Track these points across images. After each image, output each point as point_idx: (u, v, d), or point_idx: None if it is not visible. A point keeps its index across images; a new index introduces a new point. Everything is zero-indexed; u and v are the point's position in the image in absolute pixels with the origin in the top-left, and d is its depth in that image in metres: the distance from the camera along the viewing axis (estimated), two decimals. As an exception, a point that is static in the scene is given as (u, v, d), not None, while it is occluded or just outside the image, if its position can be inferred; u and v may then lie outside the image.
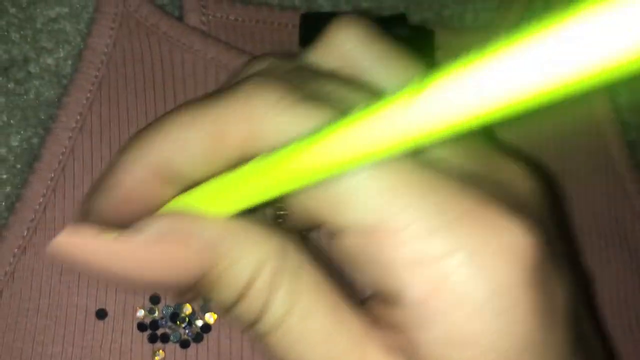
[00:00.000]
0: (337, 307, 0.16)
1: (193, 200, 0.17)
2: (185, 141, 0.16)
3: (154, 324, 0.27)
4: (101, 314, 0.27)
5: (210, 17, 0.30)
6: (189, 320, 0.27)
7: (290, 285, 0.16)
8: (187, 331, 0.27)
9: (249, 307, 0.16)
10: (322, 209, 0.16)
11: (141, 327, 0.27)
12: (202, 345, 0.27)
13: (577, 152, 0.34)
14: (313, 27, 0.31)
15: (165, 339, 0.27)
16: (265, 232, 0.17)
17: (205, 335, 0.27)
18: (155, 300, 0.27)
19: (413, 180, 0.15)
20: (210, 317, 0.27)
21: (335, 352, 0.16)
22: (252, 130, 0.16)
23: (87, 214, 0.18)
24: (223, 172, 0.17)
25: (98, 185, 0.18)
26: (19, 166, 0.28)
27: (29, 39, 0.29)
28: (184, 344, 0.27)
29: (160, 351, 0.27)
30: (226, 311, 0.17)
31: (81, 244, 0.16)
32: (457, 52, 0.12)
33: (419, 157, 0.16)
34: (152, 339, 0.27)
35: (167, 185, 0.17)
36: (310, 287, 0.16)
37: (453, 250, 0.15)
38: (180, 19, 0.30)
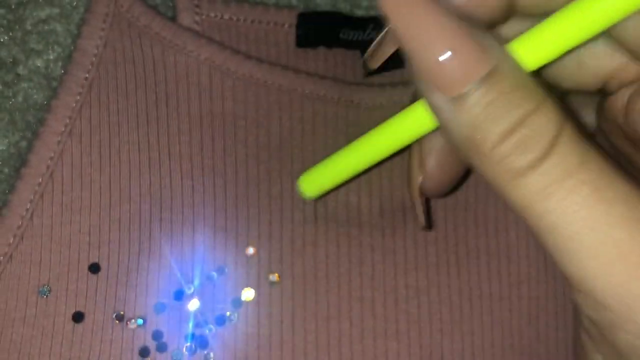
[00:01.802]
0: (632, 189, 0.16)
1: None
2: None
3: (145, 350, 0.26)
4: (79, 318, 0.26)
5: (204, 16, 0.29)
6: (181, 330, 0.26)
7: (579, 142, 0.16)
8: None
9: (531, 146, 0.16)
10: None
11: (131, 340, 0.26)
12: (195, 358, 0.26)
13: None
14: (310, 26, 0.30)
15: (160, 349, 0.26)
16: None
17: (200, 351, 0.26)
18: (144, 352, 0.26)
19: None
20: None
21: (622, 236, 0.15)
22: None
23: None
24: None
25: None
26: (6, 171, 0.27)
27: (17, 41, 0.28)
28: (176, 355, 0.26)
29: (151, 363, 0.26)
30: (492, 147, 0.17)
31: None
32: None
33: None
34: (144, 352, 0.26)
35: None
36: (597, 152, 0.16)
37: None
38: (173, 19, 0.29)
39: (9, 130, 0.28)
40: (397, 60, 0.31)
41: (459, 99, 0.16)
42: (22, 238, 0.26)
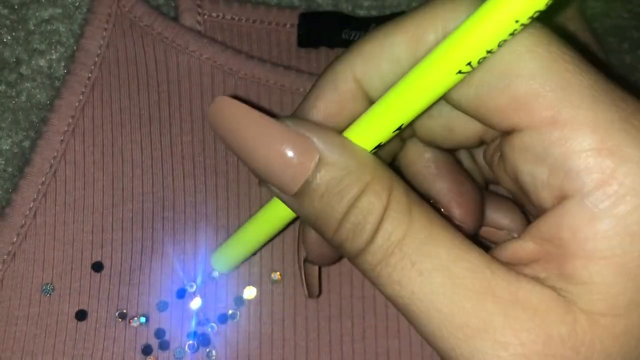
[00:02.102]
0: (455, 238, 0.17)
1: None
2: (391, 45, 0.18)
3: (148, 347, 0.26)
4: (82, 316, 0.26)
5: (206, 16, 0.29)
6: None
7: (405, 214, 0.17)
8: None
9: (360, 229, 0.17)
10: (505, 109, 0.17)
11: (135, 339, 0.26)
12: (197, 355, 0.26)
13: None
14: (312, 26, 0.30)
15: (163, 347, 0.26)
16: (382, 166, 0.18)
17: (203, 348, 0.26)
18: (147, 350, 0.26)
19: (583, 81, 0.16)
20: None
21: (455, 280, 0.16)
22: (445, 30, 0.17)
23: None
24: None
25: (308, 96, 0.20)
26: (9, 170, 0.27)
27: (21, 41, 0.28)
28: (179, 353, 0.26)
29: (153, 359, 0.26)
30: (332, 234, 0.18)
31: (235, 109, 0.18)
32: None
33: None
34: (146, 350, 0.26)
35: (358, 102, 0.19)
36: (424, 218, 0.17)
37: (630, 141, 0.15)
38: (175, 19, 0.29)
39: (12, 129, 0.28)
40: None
41: (299, 195, 0.18)
42: (26, 237, 0.26)
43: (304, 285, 0.24)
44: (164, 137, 0.28)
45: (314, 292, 0.25)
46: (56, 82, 0.28)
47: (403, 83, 0.18)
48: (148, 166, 0.27)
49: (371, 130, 0.18)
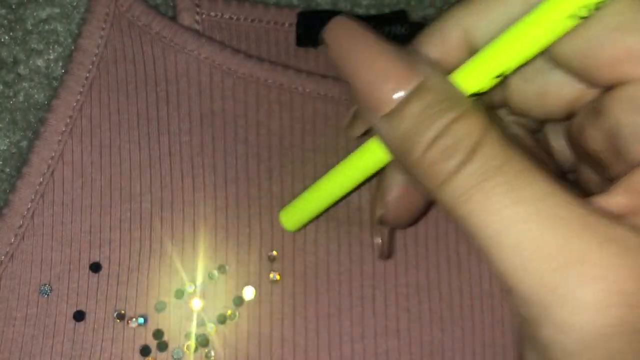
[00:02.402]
0: (551, 177, 0.17)
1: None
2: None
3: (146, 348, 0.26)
4: (80, 316, 0.26)
5: (204, 16, 0.29)
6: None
7: (502, 144, 0.17)
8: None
9: (453, 151, 0.17)
10: (614, 61, 0.17)
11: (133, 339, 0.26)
12: (196, 356, 0.26)
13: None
14: (311, 25, 0.30)
15: (161, 348, 0.26)
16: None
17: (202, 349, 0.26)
18: (145, 351, 0.26)
19: None
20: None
21: (551, 211, 0.16)
22: None
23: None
24: None
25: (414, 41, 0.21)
26: (7, 170, 0.27)
27: (18, 40, 0.28)
28: (177, 354, 0.26)
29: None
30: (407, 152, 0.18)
31: (350, 26, 0.20)
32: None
33: None
34: (145, 351, 0.26)
35: (462, 52, 0.20)
36: (519, 153, 0.17)
37: None
38: (173, 18, 0.29)
39: (10, 129, 0.28)
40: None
41: (391, 114, 0.18)
42: (23, 237, 0.26)
43: (376, 246, 0.24)
44: (162, 136, 0.28)
45: (385, 253, 0.25)
46: (54, 82, 0.28)
47: (512, 30, 0.18)
48: (146, 166, 0.27)
49: (473, 75, 0.19)
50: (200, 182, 0.28)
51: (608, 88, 0.18)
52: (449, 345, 0.28)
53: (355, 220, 0.28)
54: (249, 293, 0.27)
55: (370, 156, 0.21)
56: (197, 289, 0.26)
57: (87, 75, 0.28)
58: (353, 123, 0.24)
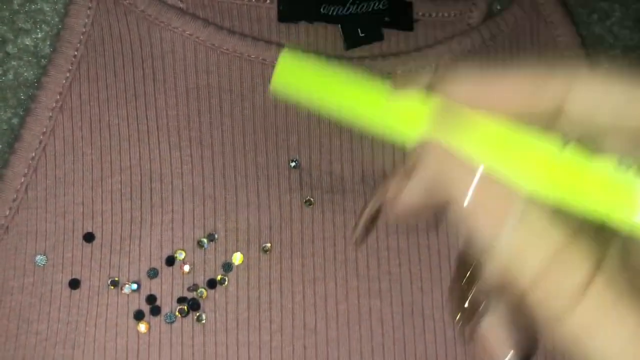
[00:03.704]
0: None
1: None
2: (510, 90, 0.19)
3: (140, 313, 0.27)
4: (75, 284, 0.27)
5: (187, -6, 0.30)
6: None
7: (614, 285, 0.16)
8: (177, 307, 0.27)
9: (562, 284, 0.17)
10: None
11: (127, 304, 0.27)
12: (187, 319, 0.27)
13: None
14: (291, 2, 0.31)
15: (154, 312, 0.27)
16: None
17: (193, 312, 0.27)
18: (139, 315, 0.27)
19: None
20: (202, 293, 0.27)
21: None
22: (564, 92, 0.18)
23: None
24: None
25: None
26: None
27: (6, 20, 0.29)
28: (169, 318, 0.27)
29: (145, 323, 0.27)
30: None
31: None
32: None
33: None
34: (138, 316, 0.27)
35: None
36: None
37: None
38: (157, -3, 0.30)
39: (0, 107, 0.28)
40: (375, 34, 0.32)
41: (496, 239, 0.18)
42: (18, 210, 0.27)
43: (358, 233, 0.25)
44: (149, 111, 0.29)
45: (360, 242, 0.26)
46: (42, 60, 0.29)
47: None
48: (135, 140, 0.28)
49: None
50: (188, 154, 0.29)
51: None
52: (428, 304, 0.29)
53: (338, 188, 0.30)
54: (237, 259, 0.28)
55: (404, 114, 0.20)
56: (188, 256, 0.28)
57: (75, 53, 0.29)
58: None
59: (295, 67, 0.21)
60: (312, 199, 0.29)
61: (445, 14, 0.33)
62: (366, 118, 0.20)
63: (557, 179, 0.18)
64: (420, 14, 0.33)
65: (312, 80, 0.21)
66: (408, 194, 0.21)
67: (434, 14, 0.33)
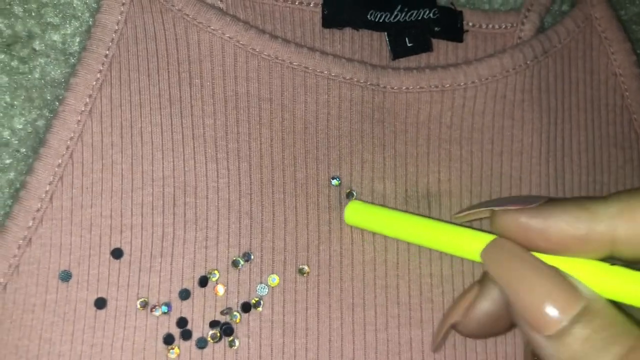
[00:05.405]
0: None
1: None
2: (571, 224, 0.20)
3: (170, 337, 0.25)
4: (101, 304, 0.25)
5: (228, -7, 0.28)
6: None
7: None
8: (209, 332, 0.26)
9: None
10: None
11: (157, 325, 0.25)
12: (219, 345, 0.26)
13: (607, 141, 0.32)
14: (337, 6, 0.29)
15: (185, 336, 0.25)
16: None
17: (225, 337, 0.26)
18: (169, 340, 0.25)
19: None
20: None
21: None
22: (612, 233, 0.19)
23: None
24: None
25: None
26: (23, 150, 0.26)
27: (33, 14, 0.27)
28: (201, 343, 0.25)
29: (176, 348, 0.25)
30: None
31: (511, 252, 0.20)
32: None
33: None
34: (168, 340, 0.25)
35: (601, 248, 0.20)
36: None
37: None
38: (196, -5, 0.28)
39: (25, 107, 0.26)
40: (423, 44, 0.30)
41: (558, 336, 0.19)
42: (42, 221, 0.25)
43: (436, 341, 0.24)
44: (185, 119, 0.27)
45: (438, 349, 0.27)
46: (71, 58, 0.27)
47: None
48: (168, 149, 0.26)
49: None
50: (225, 167, 0.27)
51: None
52: (472, 336, 0.28)
53: (379, 208, 0.28)
54: (273, 281, 0.26)
55: (472, 245, 0.22)
56: (221, 277, 0.26)
57: (107, 52, 0.27)
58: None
59: (363, 212, 0.26)
60: (354, 220, 0.27)
61: (496, 26, 0.31)
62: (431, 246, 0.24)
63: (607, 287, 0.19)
64: (470, 24, 0.31)
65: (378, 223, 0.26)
66: (478, 311, 0.22)
67: (484, 25, 0.31)
